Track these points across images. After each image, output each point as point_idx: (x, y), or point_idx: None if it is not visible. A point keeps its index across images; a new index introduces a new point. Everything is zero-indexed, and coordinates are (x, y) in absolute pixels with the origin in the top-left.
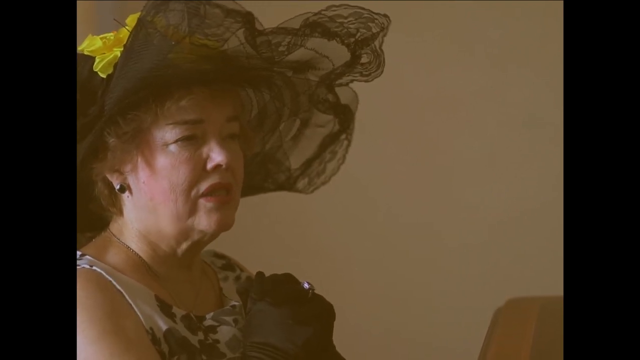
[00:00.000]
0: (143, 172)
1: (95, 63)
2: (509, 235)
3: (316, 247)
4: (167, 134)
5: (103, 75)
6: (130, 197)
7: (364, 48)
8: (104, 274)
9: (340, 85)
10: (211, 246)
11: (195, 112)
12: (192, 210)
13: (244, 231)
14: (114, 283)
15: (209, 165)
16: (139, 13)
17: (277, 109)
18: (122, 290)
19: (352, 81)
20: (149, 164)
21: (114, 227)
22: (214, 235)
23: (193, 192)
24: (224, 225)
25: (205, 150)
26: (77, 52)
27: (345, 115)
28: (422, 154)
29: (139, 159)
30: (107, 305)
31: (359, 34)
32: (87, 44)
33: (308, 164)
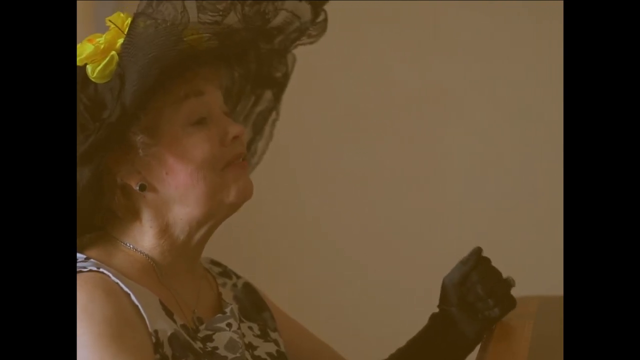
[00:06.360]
0: (166, 163)
1: (90, 71)
2: (505, 233)
3: (310, 247)
4: (184, 119)
5: (101, 81)
6: (148, 195)
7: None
8: (111, 276)
9: (287, 52)
10: (207, 253)
11: (204, 93)
12: (222, 182)
13: (240, 232)
14: (121, 285)
15: (229, 138)
16: (119, 13)
17: (241, 87)
18: (129, 292)
19: (297, 46)
20: (171, 152)
21: (116, 228)
22: (237, 207)
23: (219, 166)
24: (249, 192)
25: (218, 127)
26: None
27: (282, 87)
28: (415, 151)
29: (162, 151)
30: (109, 310)
31: None
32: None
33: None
